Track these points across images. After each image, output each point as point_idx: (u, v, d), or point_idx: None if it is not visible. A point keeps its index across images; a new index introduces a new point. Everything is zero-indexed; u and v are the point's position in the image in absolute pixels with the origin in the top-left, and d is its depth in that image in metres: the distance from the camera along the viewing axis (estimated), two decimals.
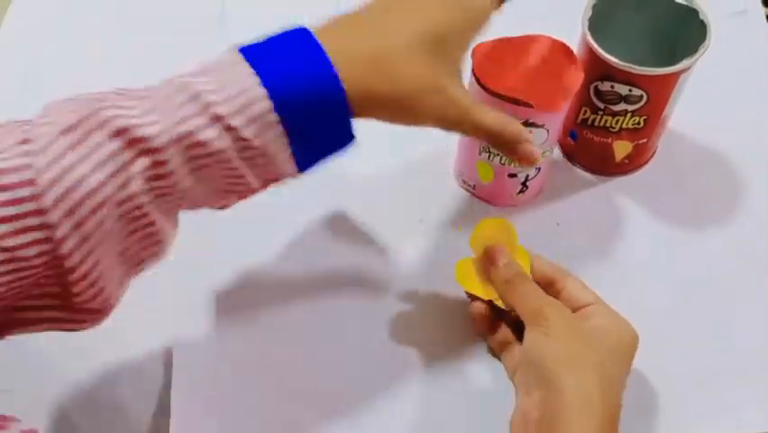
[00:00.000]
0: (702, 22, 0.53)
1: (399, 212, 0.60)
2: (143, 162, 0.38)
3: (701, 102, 0.59)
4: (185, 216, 0.44)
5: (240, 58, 0.40)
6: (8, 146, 0.37)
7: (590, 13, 0.54)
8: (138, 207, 0.39)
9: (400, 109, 0.43)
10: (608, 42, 0.52)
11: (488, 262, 0.51)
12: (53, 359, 0.54)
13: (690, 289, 0.56)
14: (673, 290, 0.56)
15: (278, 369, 0.54)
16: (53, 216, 0.36)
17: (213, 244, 0.58)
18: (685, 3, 0.54)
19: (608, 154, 0.59)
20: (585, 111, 0.57)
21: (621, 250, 0.58)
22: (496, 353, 0.53)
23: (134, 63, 0.70)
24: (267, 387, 0.53)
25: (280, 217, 0.59)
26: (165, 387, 0.53)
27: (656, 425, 0.51)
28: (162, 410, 0.52)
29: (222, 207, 0.45)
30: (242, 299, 0.57)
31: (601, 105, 0.55)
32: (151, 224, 0.40)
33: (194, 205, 0.43)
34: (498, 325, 0.52)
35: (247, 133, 0.39)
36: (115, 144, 0.38)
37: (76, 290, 0.39)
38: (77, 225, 0.37)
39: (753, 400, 0.52)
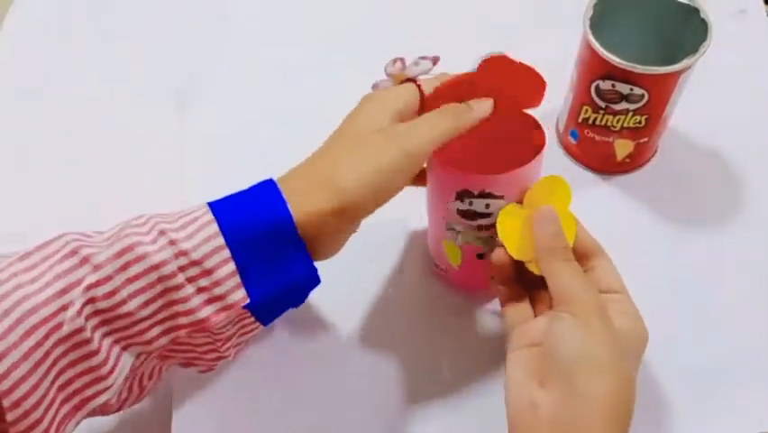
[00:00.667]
0: (703, 20, 0.53)
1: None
2: (88, 280, 0.39)
3: (703, 101, 0.59)
4: None
5: (201, 204, 0.42)
6: None
7: (592, 12, 0.54)
8: (78, 331, 0.39)
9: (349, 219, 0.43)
10: (609, 41, 0.52)
11: (537, 223, 0.46)
12: None
13: (691, 288, 0.56)
14: (674, 288, 0.56)
15: (279, 369, 0.53)
16: None
17: None
18: (686, 2, 0.54)
19: (609, 153, 0.59)
20: (586, 110, 0.57)
21: (622, 248, 0.58)
22: (503, 316, 0.48)
23: (134, 65, 0.70)
24: (267, 387, 0.53)
25: None
26: (166, 387, 0.53)
27: (662, 425, 0.51)
28: (163, 410, 0.52)
29: (170, 353, 0.44)
30: None
31: (602, 104, 0.55)
32: (94, 353, 0.40)
33: (144, 342, 0.42)
34: (516, 291, 0.48)
35: (187, 245, 0.40)
36: (67, 264, 0.39)
37: (9, 417, 0.37)
38: (14, 345, 0.37)
39: (756, 401, 0.52)
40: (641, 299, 0.55)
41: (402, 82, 0.46)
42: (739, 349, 0.54)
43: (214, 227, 0.40)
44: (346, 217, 0.42)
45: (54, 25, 0.73)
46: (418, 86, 0.46)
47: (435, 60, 0.46)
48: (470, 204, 0.47)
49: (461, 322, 0.55)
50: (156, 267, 0.40)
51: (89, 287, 0.39)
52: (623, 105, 0.54)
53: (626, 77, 0.52)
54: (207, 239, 0.40)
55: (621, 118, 0.56)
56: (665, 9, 0.55)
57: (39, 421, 0.38)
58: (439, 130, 0.44)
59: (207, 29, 0.72)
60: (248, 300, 0.42)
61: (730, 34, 0.59)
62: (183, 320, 0.41)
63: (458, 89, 0.46)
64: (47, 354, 0.38)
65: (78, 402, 0.41)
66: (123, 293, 0.39)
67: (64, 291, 0.38)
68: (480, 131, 0.49)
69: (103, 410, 0.43)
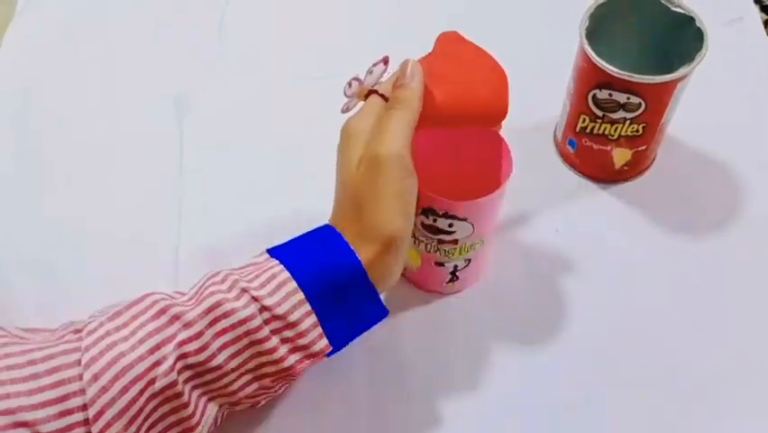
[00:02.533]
0: (699, 29, 0.53)
1: None
2: (180, 337, 0.41)
3: (700, 109, 0.59)
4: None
5: (267, 256, 0.45)
6: (64, 334, 0.43)
7: (588, 22, 0.54)
8: (171, 386, 0.41)
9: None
10: (605, 51, 0.53)
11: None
12: None
13: (690, 294, 0.57)
14: (673, 295, 0.57)
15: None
16: (88, 395, 0.39)
17: (220, 250, 0.58)
18: (682, 11, 0.55)
19: (607, 161, 0.59)
20: (584, 119, 0.57)
21: (621, 256, 0.59)
22: None
23: (134, 72, 0.70)
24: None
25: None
26: None
27: (663, 426, 0.52)
28: None
29: (257, 400, 0.47)
30: None
31: (600, 113, 0.55)
32: (184, 406, 0.42)
33: (230, 393, 0.44)
34: None
35: (270, 301, 0.42)
36: (158, 322, 0.42)
37: None
38: (110, 402, 0.39)
39: (755, 405, 0.52)
40: (639, 305, 0.56)
41: (366, 95, 0.47)
42: (739, 356, 0.54)
43: (293, 285, 0.43)
44: (398, 249, 0.44)
45: (55, 34, 0.73)
46: (381, 95, 0.46)
47: (386, 60, 0.47)
48: (435, 221, 0.48)
49: (420, 312, 0.55)
50: (243, 321, 0.42)
51: (181, 343, 0.41)
52: (620, 114, 0.55)
53: (623, 86, 0.52)
54: (288, 295, 0.43)
55: (619, 127, 0.56)
56: (661, 18, 0.56)
57: None
58: (399, 124, 0.44)
59: (207, 36, 0.73)
60: (330, 348, 0.45)
61: (727, 42, 0.59)
62: (270, 369, 0.44)
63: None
64: (141, 409, 0.40)
65: None
66: (213, 347, 0.42)
67: (157, 348, 0.41)
68: (454, 149, 0.50)
69: None
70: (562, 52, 0.58)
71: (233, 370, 0.43)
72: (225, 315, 0.42)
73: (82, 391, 0.39)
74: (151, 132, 0.66)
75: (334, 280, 0.44)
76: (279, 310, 0.43)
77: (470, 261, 0.53)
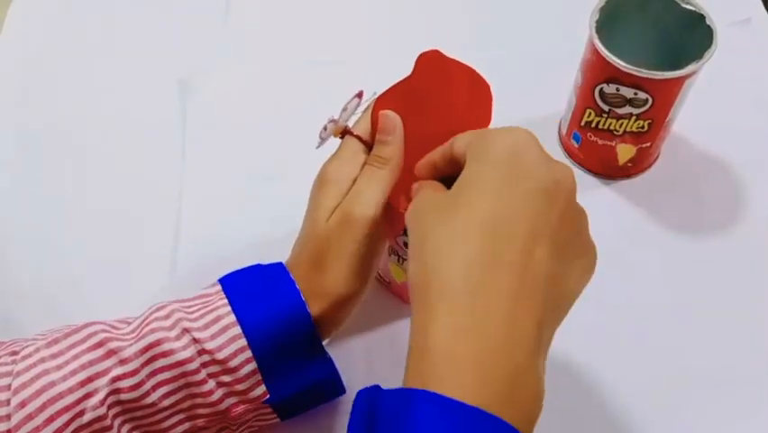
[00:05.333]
0: (709, 27, 0.53)
1: None
2: (114, 372, 0.41)
3: (705, 107, 0.59)
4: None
5: (218, 288, 0.44)
6: (1, 354, 0.42)
7: (598, 15, 0.54)
8: (100, 419, 0.40)
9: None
10: (614, 45, 0.52)
11: None
12: None
13: (692, 292, 0.56)
14: (675, 293, 0.56)
15: None
16: (13, 421, 0.39)
17: (216, 250, 0.58)
18: (692, 8, 0.54)
19: (611, 157, 0.59)
20: (589, 113, 0.57)
21: (623, 252, 0.58)
22: None
23: (137, 57, 0.70)
24: None
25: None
26: None
27: (663, 427, 0.52)
28: None
29: None
30: None
31: (606, 108, 0.55)
32: None
33: (160, 430, 0.43)
34: None
35: (212, 345, 0.41)
36: (93, 355, 0.41)
37: None
38: (35, 431, 0.39)
39: (756, 405, 0.52)
40: (640, 303, 0.56)
41: (341, 133, 0.46)
42: (741, 354, 0.54)
43: (237, 330, 0.42)
44: (349, 307, 0.44)
45: (55, 17, 0.73)
46: (356, 136, 0.45)
47: (360, 95, 0.46)
48: None
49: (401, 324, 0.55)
50: (181, 363, 0.41)
51: (115, 379, 0.40)
52: (626, 110, 0.54)
53: (631, 81, 0.52)
54: (230, 340, 0.42)
55: (624, 122, 0.56)
56: (671, 15, 0.55)
57: None
58: (379, 185, 0.44)
59: (213, 19, 0.72)
60: (267, 396, 0.43)
61: (734, 42, 0.59)
62: (203, 411, 0.43)
63: (398, 97, 0.45)
64: None
65: None
66: (147, 386, 0.41)
67: (89, 380, 0.40)
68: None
69: None
70: (569, 47, 0.58)
71: (165, 408, 0.42)
72: (164, 354, 0.41)
73: (8, 417, 0.39)
74: (155, 115, 0.66)
75: (281, 330, 0.42)
76: (220, 355, 0.42)
77: None
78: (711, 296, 0.56)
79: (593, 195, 0.61)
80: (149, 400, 0.41)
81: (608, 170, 0.61)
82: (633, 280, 0.57)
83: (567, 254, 0.36)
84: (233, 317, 0.42)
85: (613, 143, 0.58)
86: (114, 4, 0.74)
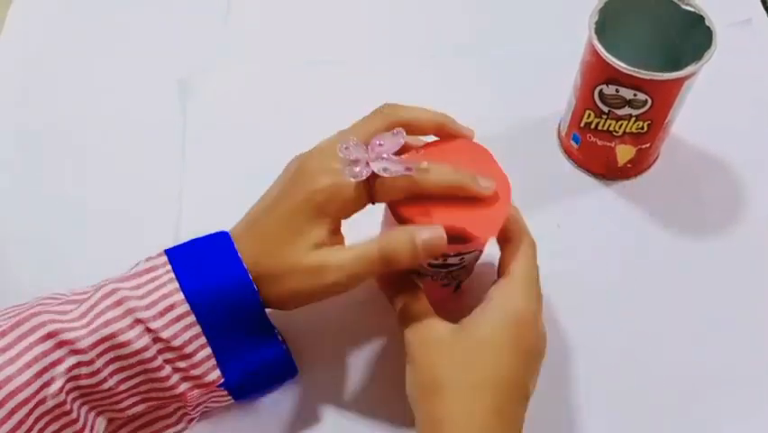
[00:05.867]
0: (708, 28, 0.53)
1: None
2: (69, 362, 0.41)
3: (705, 108, 0.59)
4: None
5: (165, 261, 0.44)
6: None
7: (597, 16, 0.54)
8: (61, 405, 0.41)
9: (295, 298, 0.45)
10: (613, 46, 0.52)
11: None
12: None
13: (692, 292, 0.56)
14: (675, 293, 0.56)
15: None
16: None
17: None
18: (691, 9, 0.54)
19: (610, 158, 0.59)
20: (589, 114, 0.57)
21: (621, 253, 0.58)
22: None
23: (137, 56, 0.70)
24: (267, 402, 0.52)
25: None
26: None
27: (664, 428, 0.52)
28: None
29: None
30: None
31: (605, 109, 0.55)
32: (74, 422, 0.42)
33: (119, 410, 0.44)
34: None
35: (166, 334, 0.42)
36: (44, 347, 0.41)
37: None
38: None
39: (758, 406, 0.52)
40: (639, 303, 0.56)
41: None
42: (741, 354, 0.54)
43: (192, 318, 0.43)
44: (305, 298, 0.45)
45: (55, 17, 0.73)
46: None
47: (409, 169, 0.43)
48: (445, 260, 0.47)
49: None
50: (137, 352, 0.42)
51: (72, 368, 0.41)
52: (626, 111, 0.54)
53: (630, 82, 0.52)
54: (185, 328, 0.43)
55: (624, 123, 0.56)
56: (670, 16, 0.55)
57: None
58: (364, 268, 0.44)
59: (213, 18, 0.72)
60: (222, 380, 0.45)
61: (734, 42, 0.59)
62: (160, 394, 0.44)
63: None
64: (30, 429, 0.40)
65: None
66: (105, 373, 0.42)
67: (45, 370, 0.40)
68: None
69: None
70: (569, 47, 0.58)
71: (123, 391, 0.43)
72: (120, 346, 0.42)
73: None
74: (155, 115, 0.66)
75: (233, 314, 0.44)
76: (175, 343, 0.43)
77: (472, 270, 0.52)
78: (711, 296, 0.56)
79: (592, 195, 0.61)
80: (106, 385, 0.42)
81: (608, 171, 0.61)
82: (632, 281, 0.57)
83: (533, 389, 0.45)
84: (186, 307, 0.43)
85: (612, 144, 0.58)
86: (114, 4, 0.74)
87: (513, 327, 0.43)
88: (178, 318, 0.43)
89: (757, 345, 0.54)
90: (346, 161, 0.43)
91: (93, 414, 0.44)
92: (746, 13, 0.71)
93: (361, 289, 0.56)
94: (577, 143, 0.60)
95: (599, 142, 0.58)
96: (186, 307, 0.43)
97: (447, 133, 0.46)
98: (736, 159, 0.63)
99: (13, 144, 0.64)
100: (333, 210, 0.44)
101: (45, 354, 0.41)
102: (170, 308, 0.43)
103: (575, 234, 0.59)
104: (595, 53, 0.53)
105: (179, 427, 0.48)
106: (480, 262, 0.52)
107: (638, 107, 0.54)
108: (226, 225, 0.59)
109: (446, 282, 0.51)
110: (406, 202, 0.44)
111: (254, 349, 0.45)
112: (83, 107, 0.67)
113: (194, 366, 0.44)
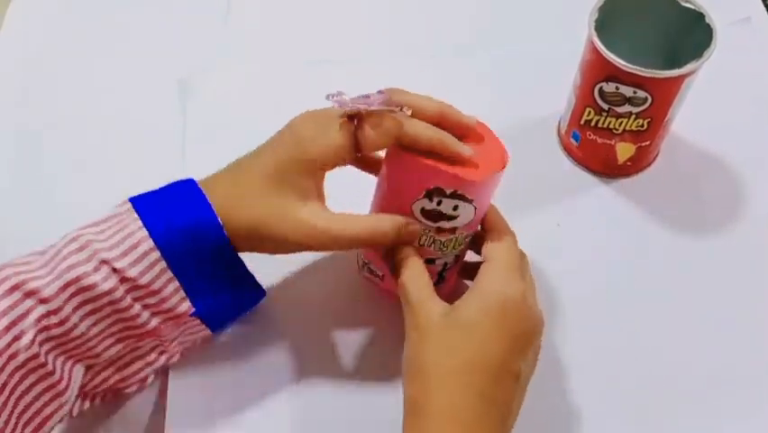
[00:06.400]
0: (708, 26, 0.53)
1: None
2: (38, 312, 0.41)
3: (705, 106, 0.59)
4: None
5: (129, 207, 0.44)
6: None
7: (597, 14, 0.54)
8: (34, 357, 0.41)
9: (261, 238, 0.45)
10: (613, 44, 0.52)
11: None
12: None
13: (692, 290, 0.56)
14: (675, 291, 0.56)
15: (274, 369, 0.53)
16: None
17: None
18: (692, 6, 0.54)
19: (610, 156, 0.59)
20: (589, 112, 0.57)
21: (622, 251, 0.58)
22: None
23: (136, 56, 0.70)
24: (262, 386, 0.53)
25: None
26: (162, 385, 0.53)
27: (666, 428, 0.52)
28: (158, 408, 0.52)
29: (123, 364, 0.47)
30: None
31: (605, 107, 0.55)
32: (49, 374, 0.42)
33: (95, 355, 0.44)
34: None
35: (133, 272, 0.42)
36: (10, 300, 0.40)
37: None
38: None
39: (758, 405, 0.52)
40: (639, 302, 0.56)
41: (351, 116, 0.46)
42: (741, 353, 0.54)
43: (157, 254, 0.43)
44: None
45: (55, 17, 0.73)
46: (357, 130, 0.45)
47: (386, 98, 0.45)
48: (439, 203, 0.46)
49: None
50: (104, 294, 0.42)
51: (40, 318, 0.41)
52: (626, 108, 0.54)
53: (630, 80, 0.52)
54: (151, 265, 0.43)
55: (624, 121, 0.56)
56: (670, 13, 0.55)
57: None
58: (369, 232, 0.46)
59: (210, 20, 0.72)
60: (193, 310, 0.45)
61: (734, 41, 0.59)
62: (132, 332, 0.45)
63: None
64: (5, 384, 0.40)
65: (39, 422, 0.43)
66: (74, 319, 0.42)
67: (13, 324, 0.40)
68: None
69: (52, 426, 0.44)
70: (569, 47, 0.58)
71: (96, 335, 0.43)
72: (86, 289, 0.42)
73: None
74: (155, 115, 0.66)
75: (201, 251, 0.44)
76: (143, 280, 0.43)
77: (458, 258, 0.51)
78: (711, 294, 0.56)
79: (592, 193, 0.61)
80: (77, 331, 0.42)
81: (608, 169, 0.61)
82: (632, 279, 0.57)
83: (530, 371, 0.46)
84: (150, 243, 0.43)
85: (612, 142, 0.58)
86: (114, 4, 0.74)
87: (498, 310, 0.43)
88: (143, 255, 0.43)
89: (757, 344, 0.54)
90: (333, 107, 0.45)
91: (69, 363, 0.44)
92: (746, 12, 0.71)
93: (360, 288, 0.56)
94: (577, 141, 0.60)
95: (599, 140, 0.58)
96: (150, 243, 0.43)
97: (449, 122, 0.46)
98: (735, 157, 0.63)
99: (13, 144, 0.64)
100: (317, 154, 0.45)
101: (12, 306, 0.40)
102: (135, 246, 0.43)
103: (575, 233, 0.59)
104: (595, 51, 0.53)
105: (158, 364, 0.49)
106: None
107: (638, 105, 0.54)
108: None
109: (431, 257, 0.49)
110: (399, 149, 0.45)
111: (221, 277, 0.46)
112: (83, 107, 0.67)
113: (163, 300, 0.44)
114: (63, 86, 0.68)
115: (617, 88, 0.53)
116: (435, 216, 0.47)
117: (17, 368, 0.40)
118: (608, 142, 0.58)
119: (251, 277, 0.48)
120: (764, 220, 0.60)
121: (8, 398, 0.40)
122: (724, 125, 0.64)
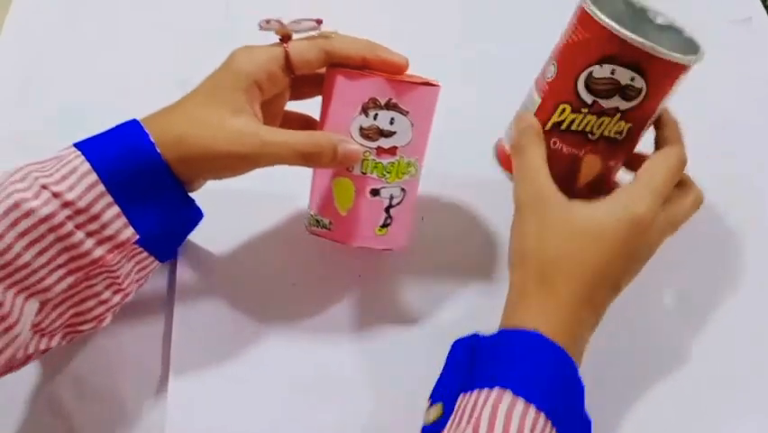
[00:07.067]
0: (689, 39, 0.50)
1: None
2: None
3: (705, 106, 0.59)
4: None
5: (72, 147, 0.46)
6: None
7: None
8: None
9: (189, 147, 0.47)
10: None
11: None
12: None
13: (692, 291, 0.56)
14: (674, 292, 0.56)
15: (274, 361, 0.53)
16: None
17: (211, 240, 0.58)
18: (665, 23, 0.52)
19: (571, 173, 0.52)
20: (563, 110, 0.50)
21: None
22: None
23: (137, 57, 0.70)
24: (263, 380, 0.53)
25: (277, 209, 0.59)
26: (162, 379, 0.53)
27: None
28: (159, 402, 0.52)
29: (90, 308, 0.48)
30: (241, 292, 0.57)
31: (589, 100, 0.49)
32: None
33: (46, 289, 0.45)
34: None
35: (71, 195, 0.43)
36: None
37: None
38: None
39: (760, 410, 0.52)
40: (640, 302, 0.56)
41: (282, 36, 0.49)
42: (741, 354, 0.54)
43: (94, 176, 0.44)
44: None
45: (55, 17, 0.73)
46: (288, 51, 0.48)
47: (319, 21, 0.49)
48: (375, 117, 0.47)
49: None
50: (45, 219, 0.42)
51: None
52: (614, 103, 0.49)
53: (633, 58, 0.47)
54: (89, 188, 0.43)
55: (605, 121, 0.49)
56: (648, 31, 0.51)
57: None
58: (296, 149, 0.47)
59: (210, 20, 0.73)
60: (137, 237, 0.46)
61: (734, 41, 0.59)
62: (79, 262, 0.45)
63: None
64: None
65: None
66: (17, 248, 0.42)
67: None
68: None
69: (10, 366, 0.45)
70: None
71: (43, 266, 0.43)
72: (26, 215, 0.42)
73: None
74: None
75: (136, 173, 0.45)
76: (81, 204, 0.44)
77: (404, 193, 0.51)
78: (711, 296, 0.56)
79: None
80: (22, 260, 0.42)
81: (562, 188, 0.50)
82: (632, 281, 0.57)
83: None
84: (87, 166, 0.44)
85: (581, 153, 0.51)
86: (114, 4, 0.74)
87: (626, 226, 0.45)
88: (81, 178, 0.44)
89: (757, 344, 0.54)
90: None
91: (21, 298, 0.43)
92: (746, 12, 0.71)
93: (360, 285, 0.56)
94: None
95: (566, 149, 0.51)
96: (87, 166, 0.44)
97: (380, 61, 0.48)
98: (736, 157, 0.63)
99: (13, 144, 0.65)
100: (246, 66, 0.47)
101: None
102: (72, 171, 0.44)
103: None
104: (590, 27, 0.47)
105: (113, 303, 0.48)
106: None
107: (630, 99, 0.48)
108: (227, 223, 0.59)
109: (376, 187, 0.50)
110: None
111: (160, 201, 0.47)
112: (83, 108, 0.67)
113: (104, 226, 0.45)
114: (63, 86, 0.68)
115: (612, 72, 0.47)
116: (374, 133, 0.48)
117: None
118: (576, 152, 0.51)
119: (190, 198, 0.50)
120: (764, 221, 0.59)
121: None
122: (724, 126, 0.64)
